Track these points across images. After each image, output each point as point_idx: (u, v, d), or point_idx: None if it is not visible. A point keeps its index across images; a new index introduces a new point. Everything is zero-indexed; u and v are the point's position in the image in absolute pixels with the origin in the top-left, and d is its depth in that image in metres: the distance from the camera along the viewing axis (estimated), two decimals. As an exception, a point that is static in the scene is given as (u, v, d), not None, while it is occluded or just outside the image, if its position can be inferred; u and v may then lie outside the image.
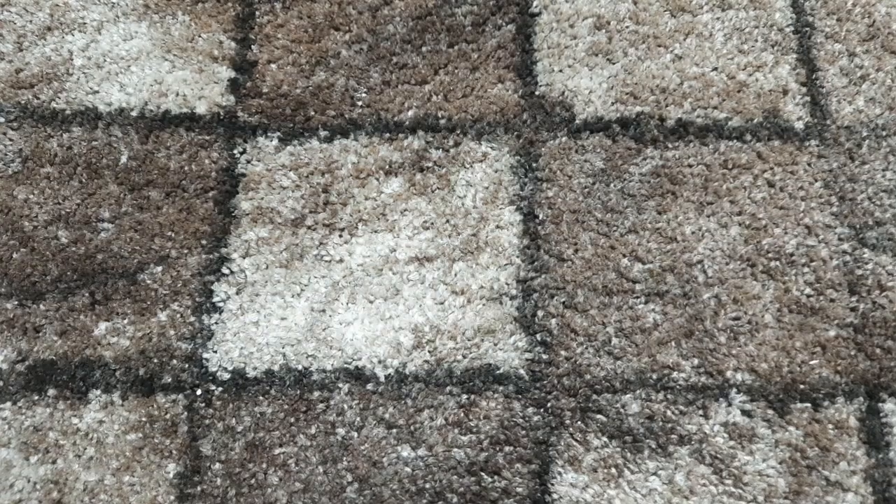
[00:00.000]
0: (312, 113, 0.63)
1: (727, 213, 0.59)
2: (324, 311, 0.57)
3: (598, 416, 0.54)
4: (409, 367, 0.55)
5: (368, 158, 0.61)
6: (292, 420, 0.54)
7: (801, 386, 0.54)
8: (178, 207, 0.60)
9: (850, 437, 0.53)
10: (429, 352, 0.56)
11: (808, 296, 0.56)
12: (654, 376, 0.55)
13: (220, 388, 0.55)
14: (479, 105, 0.63)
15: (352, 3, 0.67)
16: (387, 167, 0.61)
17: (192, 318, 0.57)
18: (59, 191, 0.60)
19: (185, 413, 0.54)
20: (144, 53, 0.64)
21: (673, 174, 0.60)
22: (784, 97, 0.62)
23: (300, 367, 0.55)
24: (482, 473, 0.52)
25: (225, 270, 0.58)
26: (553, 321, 0.56)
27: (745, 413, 0.54)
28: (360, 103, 0.63)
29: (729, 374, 0.54)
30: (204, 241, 0.59)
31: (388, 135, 0.62)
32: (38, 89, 0.63)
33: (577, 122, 0.62)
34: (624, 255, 0.58)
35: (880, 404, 0.54)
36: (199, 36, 0.65)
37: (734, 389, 0.54)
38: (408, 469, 0.53)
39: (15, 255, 0.58)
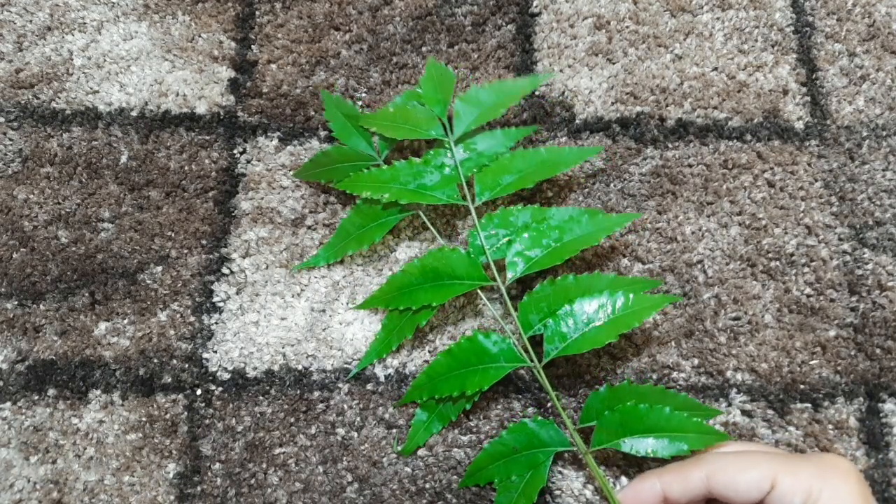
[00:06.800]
0: (312, 113, 0.63)
1: (727, 213, 0.59)
2: (324, 311, 0.57)
3: (598, 416, 0.54)
4: (409, 367, 0.55)
5: (368, 158, 0.61)
6: (292, 420, 0.54)
7: (801, 386, 0.54)
8: (178, 207, 0.60)
9: (850, 438, 0.53)
10: (428, 351, 0.56)
11: (808, 296, 0.56)
12: (654, 376, 0.55)
13: (220, 388, 0.55)
14: (479, 105, 0.63)
15: (352, 3, 0.67)
16: (387, 167, 0.61)
17: (192, 318, 0.57)
18: (59, 191, 0.60)
19: (185, 413, 0.54)
20: (144, 53, 0.64)
21: (673, 174, 0.60)
22: (784, 97, 0.62)
23: (300, 367, 0.55)
24: (482, 473, 0.52)
25: (225, 270, 0.58)
26: (553, 321, 0.56)
27: (745, 413, 0.53)
28: (360, 103, 0.63)
29: (729, 374, 0.54)
30: (204, 241, 0.59)
31: (388, 135, 0.62)
32: (38, 89, 0.63)
33: (577, 122, 0.62)
34: (624, 255, 0.58)
35: (880, 404, 0.54)
36: (199, 36, 0.65)
37: (734, 389, 0.54)
38: (408, 469, 0.53)
39: (15, 255, 0.58)
